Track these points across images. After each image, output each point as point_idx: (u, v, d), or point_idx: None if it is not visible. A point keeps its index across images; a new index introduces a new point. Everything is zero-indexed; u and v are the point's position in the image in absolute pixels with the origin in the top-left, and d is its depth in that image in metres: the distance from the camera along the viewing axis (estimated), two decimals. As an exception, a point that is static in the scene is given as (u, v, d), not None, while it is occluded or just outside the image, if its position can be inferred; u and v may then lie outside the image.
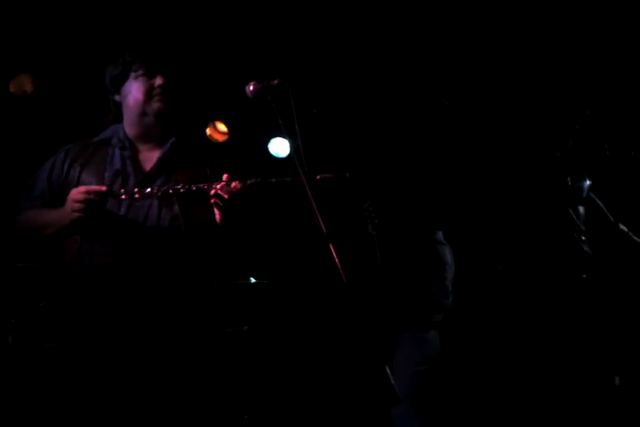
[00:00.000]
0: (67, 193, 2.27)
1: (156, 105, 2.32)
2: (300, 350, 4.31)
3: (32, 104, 3.84)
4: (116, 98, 2.41)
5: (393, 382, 1.69)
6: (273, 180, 2.16)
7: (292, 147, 2.04)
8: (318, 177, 2.12)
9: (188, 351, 2.18)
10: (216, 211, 2.19)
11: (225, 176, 2.18)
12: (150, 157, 2.35)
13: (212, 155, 2.43)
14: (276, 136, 4.59)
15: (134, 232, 2.22)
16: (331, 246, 1.81)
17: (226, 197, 2.13)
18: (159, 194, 2.17)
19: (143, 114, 2.33)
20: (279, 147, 4.61)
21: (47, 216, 2.29)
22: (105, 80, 2.41)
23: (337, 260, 1.79)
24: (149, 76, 2.32)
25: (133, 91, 2.33)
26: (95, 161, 2.33)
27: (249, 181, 2.15)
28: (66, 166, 2.35)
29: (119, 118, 2.42)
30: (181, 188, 2.17)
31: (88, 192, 2.15)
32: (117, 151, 2.34)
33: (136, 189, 2.18)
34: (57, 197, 2.32)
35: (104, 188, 2.17)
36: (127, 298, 2.16)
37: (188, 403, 2.15)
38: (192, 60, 2.54)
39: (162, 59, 2.36)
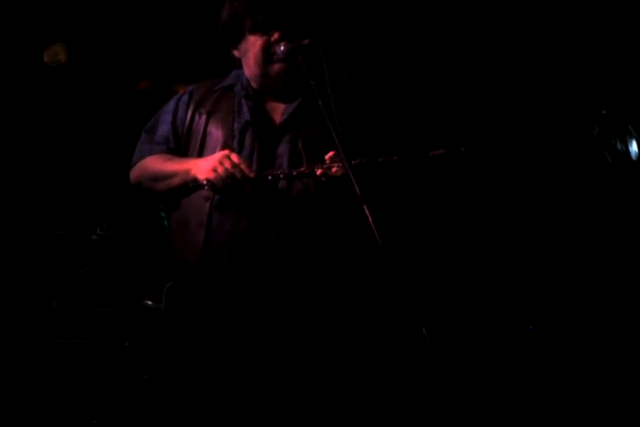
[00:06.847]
0: (192, 141, 2.15)
1: (277, 66, 2.12)
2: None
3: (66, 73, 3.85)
4: (235, 53, 2.21)
5: (429, 341, 1.69)
6: (379, 159, 2.00)
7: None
8: (431, 153, 2.01)
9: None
10: (312, 185, 2.05)
11: (328, 156, 2.00)
12: (277, 108, 2.17)
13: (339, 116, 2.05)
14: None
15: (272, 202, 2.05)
16: (365, 208, 1.80)
17: (324, 179, 2.00)
18: (269, 178, 2.02)
19: (265, 75, 2.15)
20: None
21: (178, 165, 2.10)
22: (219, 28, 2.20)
23: (371, 221, 1.78)
24: (264, 32, 2.10)
25: (250, 49, 2.13)
26: (222, 109, 2.16)
27: (353, 163, 1.89)
28: (190, 111, 2.18)
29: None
30: (281, 173, 2.03)
31: (237, 166, 1.96)
32: (243, 100, 2.16)
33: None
34: (181, 143, 2.17)
35: (252, 175, 1.98)
36: (265, 271, 2.03)
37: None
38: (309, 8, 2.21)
39: (277, 10, 2.11)
